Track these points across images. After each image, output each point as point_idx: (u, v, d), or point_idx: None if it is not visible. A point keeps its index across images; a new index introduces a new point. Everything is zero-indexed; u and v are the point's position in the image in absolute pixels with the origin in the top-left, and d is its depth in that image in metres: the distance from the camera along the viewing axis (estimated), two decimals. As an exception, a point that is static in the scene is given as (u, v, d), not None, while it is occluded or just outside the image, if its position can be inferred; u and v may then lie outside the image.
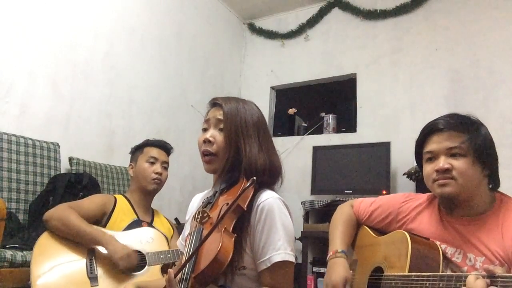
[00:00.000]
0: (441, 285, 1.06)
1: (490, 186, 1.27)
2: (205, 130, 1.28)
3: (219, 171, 1.23)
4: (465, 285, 0.94)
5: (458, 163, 1.21)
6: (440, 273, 1.13)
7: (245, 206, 1.08)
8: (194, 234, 1.08)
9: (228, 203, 1.09)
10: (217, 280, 1.06)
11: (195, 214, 1.14)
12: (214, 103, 1.29)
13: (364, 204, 1.53)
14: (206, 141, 1.23)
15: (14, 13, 2.39)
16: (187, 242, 1.10)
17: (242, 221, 1.11)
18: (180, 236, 1.42)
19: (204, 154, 1.24)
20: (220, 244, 0.98)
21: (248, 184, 1.05)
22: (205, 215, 1.10)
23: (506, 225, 1.18)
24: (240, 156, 1.19)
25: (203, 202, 1.22)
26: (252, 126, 1.23)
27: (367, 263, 1.42)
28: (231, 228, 1.06)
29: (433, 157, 1.26)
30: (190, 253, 1.01)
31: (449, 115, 1.29)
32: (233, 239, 1.05)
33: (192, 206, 1.40)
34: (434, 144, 1.26)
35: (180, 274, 1.00)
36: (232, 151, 1.19)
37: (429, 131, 1.29)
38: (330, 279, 1.33)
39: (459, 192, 1.21)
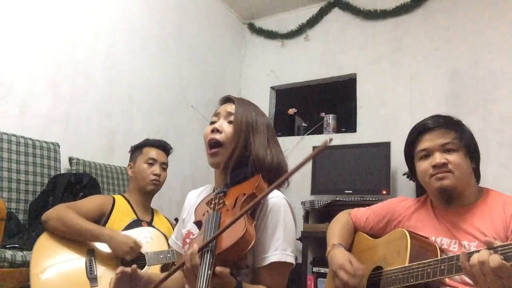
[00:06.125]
0: (442, 267, 1.09)
1: (476, 179, 1.38)
2: (213, 123, 1.26)
3: (222, 166, 1.21)
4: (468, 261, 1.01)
5: (453, 157, 1.30)
6: (440, 257, 1.15)
7: None
8: (211, 218, 1.06)
9: (244, 194, 1.08)
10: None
11: (209, 201, 1.13)
12: (227, 99, 1.29)
13: (361, 211, 1.60)
14: (214, 130, 1.22)
15: (14, 13, 2.39)
16: (204, 225, 1.07)
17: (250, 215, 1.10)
18: (173, 235, 1.38)
19: (210, 144, 1.22)
20: (245, 227, 0.97)
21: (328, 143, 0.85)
22: (221, 201, 1.10)
23: (495, 209, 1.28)
24: (248, 152, 1.18)
25: (214, 191, 1.21)
26: (262, 124, 1.23)
27: (366, 265, 1.42)
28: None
29: (428, 154, 1.34)
30: (217, 232, 0.97)
31: (435, 115, 1.39)
32: (253, 224, 1.05)
33: (189, 202, 1.37)
34: (428, 142, 1.34)
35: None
36: (240, 145, 1.18)
37: (419, 131, 1.38)
38: (334, 265, 1.32)
39: (456, 184, 1.30)
